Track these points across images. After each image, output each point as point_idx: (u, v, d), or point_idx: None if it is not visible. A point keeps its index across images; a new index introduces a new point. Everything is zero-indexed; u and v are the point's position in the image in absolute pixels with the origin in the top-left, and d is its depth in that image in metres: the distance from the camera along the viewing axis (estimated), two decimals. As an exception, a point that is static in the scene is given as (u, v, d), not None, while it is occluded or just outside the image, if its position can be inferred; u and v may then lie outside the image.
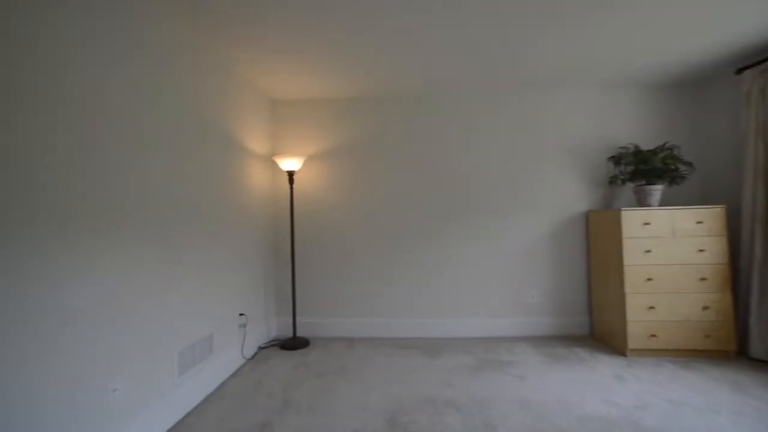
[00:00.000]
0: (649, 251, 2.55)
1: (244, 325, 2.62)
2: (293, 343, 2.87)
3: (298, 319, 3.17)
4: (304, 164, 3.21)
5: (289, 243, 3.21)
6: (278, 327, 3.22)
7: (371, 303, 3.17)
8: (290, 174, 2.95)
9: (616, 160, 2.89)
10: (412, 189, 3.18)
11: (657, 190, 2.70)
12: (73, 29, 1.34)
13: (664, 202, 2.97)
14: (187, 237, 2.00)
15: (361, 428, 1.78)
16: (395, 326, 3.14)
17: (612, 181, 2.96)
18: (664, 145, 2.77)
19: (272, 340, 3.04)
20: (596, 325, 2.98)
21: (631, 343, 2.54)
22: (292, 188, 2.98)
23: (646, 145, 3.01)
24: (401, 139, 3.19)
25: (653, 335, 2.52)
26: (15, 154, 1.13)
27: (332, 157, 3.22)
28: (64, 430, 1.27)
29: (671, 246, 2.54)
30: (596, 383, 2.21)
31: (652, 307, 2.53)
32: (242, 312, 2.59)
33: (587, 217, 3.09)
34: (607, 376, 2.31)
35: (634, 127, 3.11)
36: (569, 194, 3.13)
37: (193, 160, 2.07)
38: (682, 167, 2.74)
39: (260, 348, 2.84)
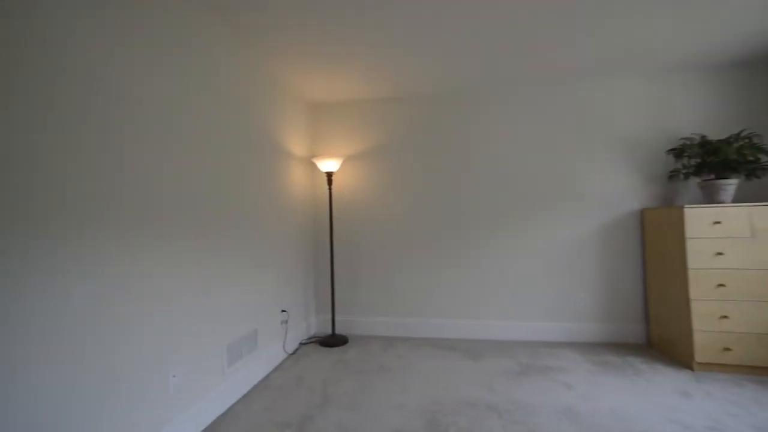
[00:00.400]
0: (720, 254, 2.28)
1: (286, 322, 2.72)
2: (332, 341, 2.93)
3: (336, 317, 3.24)
4: (342, 165, 3.28)
5: (329, 242, 3.28)
6: (317, 324, 3.31)
7: (410, 303, 3.15)
8: (329, 175, 3.02)
9: (677, 152, 2.62)
10: (451, 187, 3.12)
11: (730, 184, 2.41)
12: (120, 37, 1.48)
13: (739, 198, 2.64)
14: (235, 236, 2.12)
15: (401, 427, 1.77)
16: (434, 327, 3.10)
17: (672, 175, 2.68)
18: (740, 133, 2.46)
19: (312, 337, 3.13)
20: (654, 334, 2.72)
21: (699, 356, 2.28)
22: (330, 189, 3.05)
23: (714, 135, 2.70)
24: (440, 136, 3.15)
25: (727, 348, 2.25)
26: (86, 155, 1.27)
27: (370, 158, 3.25)
28: (132, 407, 1.40)
29: (749, 248, 2.25)
30: (657, 397, 2.02)
31: (724, 317, 2.26)
32: (284, 309, 2.70)
33: (642, 215, 2.83)
34: (671, 391, 2.09)
35: (698, 116, 2.80)
36: (621, 190, 2.89)
37: (239, 163, 2.19)
38: (763, 158, 2.42)
39: (301, 344, 2.94)
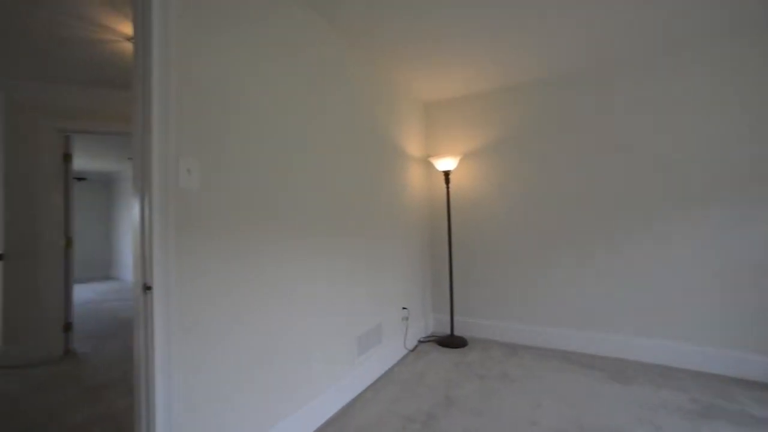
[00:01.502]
0: None
1: (406, 319, 2.81)
2: (451, 341, 2.89)
3: (455, 317, 3.18)
4: (459, 163, 3.20)
5: (446, 242, 3.25)
6: (434, 324, 3.32)
7: (535, 308, 2.88)
8: (446, 174, 2.99)
9: None
10: (582, 180, 2.72)
11: None
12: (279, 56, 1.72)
13: None
14: (361, 236, 2.28)
15: (536, 448, 1.62)
16: (563, 337, 2.75)
17: None
18: None
19: (429, 336, 3.16)
20: None
21: None
22: (448, 188, 3.01)
23: None
24: (566, 125, 2.78)
25: None
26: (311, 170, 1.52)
27: (488, 154, 3.09)
28: (289, 378, 1.64)
29: None
30: None
31: None
32: (404, 306, 2.79)
33: None
34: None
35: None
36: None
37: (363, 165, 2.35)
38: None
39: (419, 341, 2.99)
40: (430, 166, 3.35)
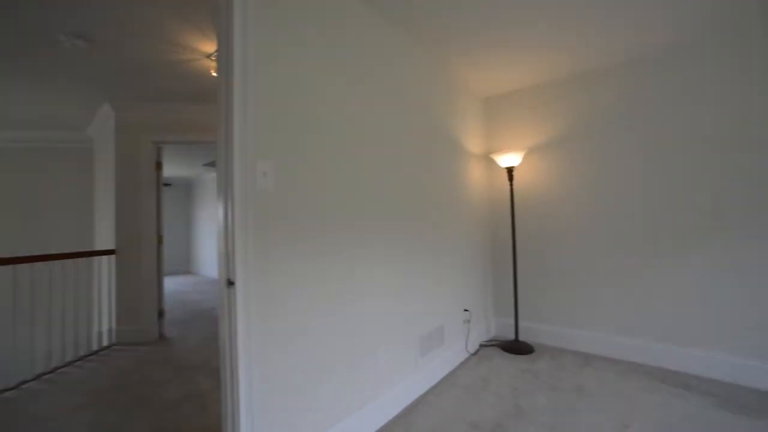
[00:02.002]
0: None
1: (468, 321, 2.71)
2: (515, 347, 2.73)
3: (519, 322, 3.00)
4: (523, 159, 3.01)
5: (510, 242, 3.08)
6: (496, 327, 3.16)
7: (610, 315, 2.60)
8: (509, 170, 2.83)
9: None
10: (669, 173, 2.38)
11: None
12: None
13: None
14: (422, 235, 2.25)
15: (623, 473, 1.45)
16: (645, 350, 2.44)
17: None
18: None
19: (491, 340, 3.02)
20: None
21: None
22: (512, 185, 2.85)
23: None
24: (645, 114, 2.45)
25: None
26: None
27: (555, 148, 2.86)
28: (355, 375, 1.67)
29: None
30: None
31: None
32: (466, 308, 2.70)
33: None
34: None
35: None
36: None
37: (424, 165, 2.31)
38: None
39: (481, 345, 2.88)
40: (491, 163, 3.20)
